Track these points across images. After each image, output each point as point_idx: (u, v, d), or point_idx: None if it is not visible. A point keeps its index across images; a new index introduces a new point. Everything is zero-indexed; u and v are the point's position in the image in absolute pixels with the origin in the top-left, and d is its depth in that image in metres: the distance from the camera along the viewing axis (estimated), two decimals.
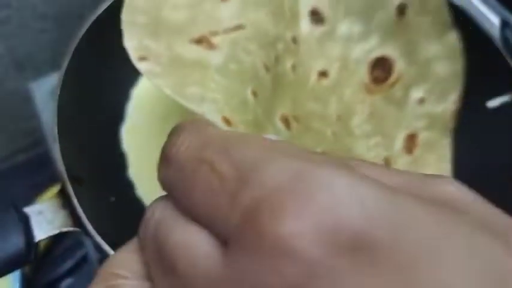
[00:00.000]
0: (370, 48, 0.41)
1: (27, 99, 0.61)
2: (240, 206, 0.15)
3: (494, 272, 0.13)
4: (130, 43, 0.29)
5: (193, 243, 0.16)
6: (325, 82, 0.40)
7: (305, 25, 0.40)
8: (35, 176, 0.76)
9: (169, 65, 0.29)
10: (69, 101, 0.38)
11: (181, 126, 0.19)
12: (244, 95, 0.30)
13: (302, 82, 0.39)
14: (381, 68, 0.41)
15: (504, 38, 0.55)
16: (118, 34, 0.45)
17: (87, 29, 0.42)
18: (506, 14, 0.57)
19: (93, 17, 0.43)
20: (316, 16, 0.40)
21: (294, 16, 0.40)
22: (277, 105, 0.35)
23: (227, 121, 0.25)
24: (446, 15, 0.41)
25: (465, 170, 0.42)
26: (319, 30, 0.40)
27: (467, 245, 0.14)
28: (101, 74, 0.44)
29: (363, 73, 0.41)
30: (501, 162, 0.40)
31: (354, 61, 0.41)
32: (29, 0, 0.61)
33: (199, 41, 0.31)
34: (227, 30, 0.33)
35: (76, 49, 0.41)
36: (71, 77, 0.39)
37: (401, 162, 0.41)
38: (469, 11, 0.42)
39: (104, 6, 0.44)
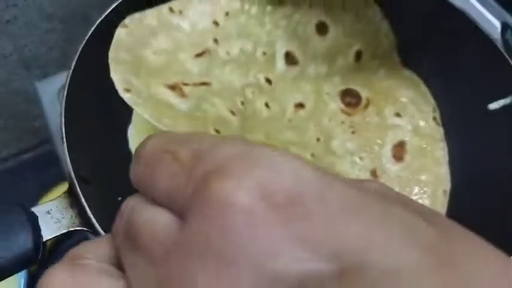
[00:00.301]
0: (335, 84, 0.46)
1: (34, 99, 0.62)
2: (193, 180, 0.17)
3: (405, 230, 0.16)
4: (116, 76, 0.37)
5: (155, 220, 0.18)
6: (302, 112, 0.44)
7: (281, 65, 0.45)
8: (41, 174, 0.76)
9: (148, 99, 0.36)
10: (76, 102, 0.39)
11: (153, 134, 0.22)
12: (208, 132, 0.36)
13: (278, 115, 0.43)
14: (350, 96, 0.46)
15: (505, 41, 0.56)
16: None
17: (95, 30, 0.43)
18: (507, 17, 0.57)
19: (101, 18, 0.44)
20: (290, 58, 0.46)
21: (269, 60, 0.45)
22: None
23: None
24: (394, 57, 0.49)
25: (467, 171, 0.43)
26: (294, 69, 0.46)
27: (384, 211, 0.16)
28: (108, 74, 0.44)
29: (336, 101, 0.46)
30: (502, 163, 0.41)
31: (326, 93, 0.46)
32: (35, 0, 0.61)
33: (173, 87, 0.38)
34: (196, 84, 0.40)
35: (83, 49, 0.41)
36: (78, 78, 0.40)
37: (394, 169, 0.42)
38: (470, 14, 0.42)
39: (111, 6, 0.44)
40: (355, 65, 0.48)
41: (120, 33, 0.40)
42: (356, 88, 0.47)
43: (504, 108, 0.42)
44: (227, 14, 0.44)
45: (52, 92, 0.57)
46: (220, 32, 0.43)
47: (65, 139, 0.36)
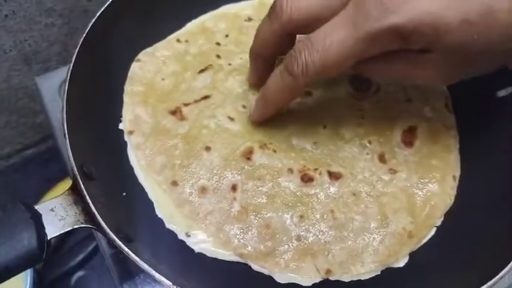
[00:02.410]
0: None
1: (35, 94, 0.61)
2: None
3: None
4: (127, 116, 0.42)
5: None
6: (309, 100, 0.44)
7: None
8: (45, 170, 0.76)
9: (150, 134, 0.42)
10: (77, 97, 0.38)
11: None
12: (199, 153, 0.41)
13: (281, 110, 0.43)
14: (360, 81, 0.45)
15: None
16: (124, 28, 0.45)
17: (94, 23, 0.42)
18: None
19: (100, 11, 0.43)
20: None
21: None
22: (242, 143, 0.41)
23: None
24: None
25: (475, 155, 0.42)
26: None
27: None
28: (109, 68, 0.44)
29: (346, 86, 0.45)
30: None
31: (335, 80, 0.45)
32: None
33: (174, 112, 0.43)
34: (197, 100, 0.44)
35: (83, 44, 0.41)
36: (79, 72, 0.39)
37: (404, 153, 0.42)
38: None
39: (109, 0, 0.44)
40: None
41: (134, 67, 0.46)
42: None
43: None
44: (227, 36, 0.49)
45: (53, 87, 0.56)
46: (222, 49, 0.48)
47: (67, 135, 0.35)
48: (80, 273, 0.66)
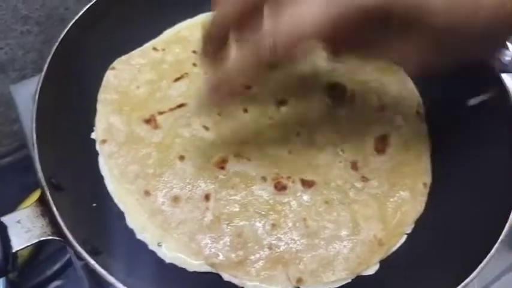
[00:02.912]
0: (320, 78, 0.47)
1: (11, 102, 0.60)
2: None
3: None
4: (100, 125, 0.42)
5: None
6: (283, 108, 0.45)
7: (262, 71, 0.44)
8: (22, 178, 0.75)
9: (124, 143, 0.41)
10: (49, 106, 0.38)
11: None
12: (173, 162, 0.41)
13: (257, 118, 0.44)
14: (335, 89, 0.46)
15: None
16: (99, 37, 0.45)
17: (68, 31, 0.42)
18: None
19: (73, 20, 0.43)
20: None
21: None
22: (216, 152, 0.41)
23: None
24: None
25: (446, 163, 0.43)
26: (276, 71, 0.45)
27: None
28: (83, 77, 0.44)
29: (321, 95, 0.46)
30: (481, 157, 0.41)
31: (311, 87, 0.46)
32: (9, 2, 0.60)
33: (148, 121, 0.43)
34: (172, 109, 0.44)
35: (56, 52, 0.40)
36: (52, 81, 0.39)
37: (377, 161, 0.43)
38: None
39: (84, 8, 0.44)
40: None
41: (108, 75, 0.45)
42: (342, 81, 0.47)
43: (482, 103, 0.42)
44: None
45: (27, 96, 0.55)
46: (199, 57, 0.48)
47: (35, 145, 0.35)
48: (56, 283, 0.65)
